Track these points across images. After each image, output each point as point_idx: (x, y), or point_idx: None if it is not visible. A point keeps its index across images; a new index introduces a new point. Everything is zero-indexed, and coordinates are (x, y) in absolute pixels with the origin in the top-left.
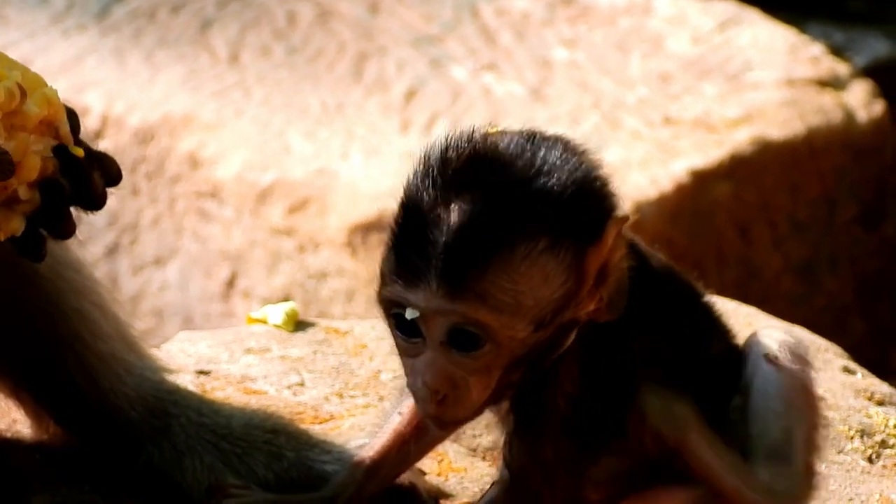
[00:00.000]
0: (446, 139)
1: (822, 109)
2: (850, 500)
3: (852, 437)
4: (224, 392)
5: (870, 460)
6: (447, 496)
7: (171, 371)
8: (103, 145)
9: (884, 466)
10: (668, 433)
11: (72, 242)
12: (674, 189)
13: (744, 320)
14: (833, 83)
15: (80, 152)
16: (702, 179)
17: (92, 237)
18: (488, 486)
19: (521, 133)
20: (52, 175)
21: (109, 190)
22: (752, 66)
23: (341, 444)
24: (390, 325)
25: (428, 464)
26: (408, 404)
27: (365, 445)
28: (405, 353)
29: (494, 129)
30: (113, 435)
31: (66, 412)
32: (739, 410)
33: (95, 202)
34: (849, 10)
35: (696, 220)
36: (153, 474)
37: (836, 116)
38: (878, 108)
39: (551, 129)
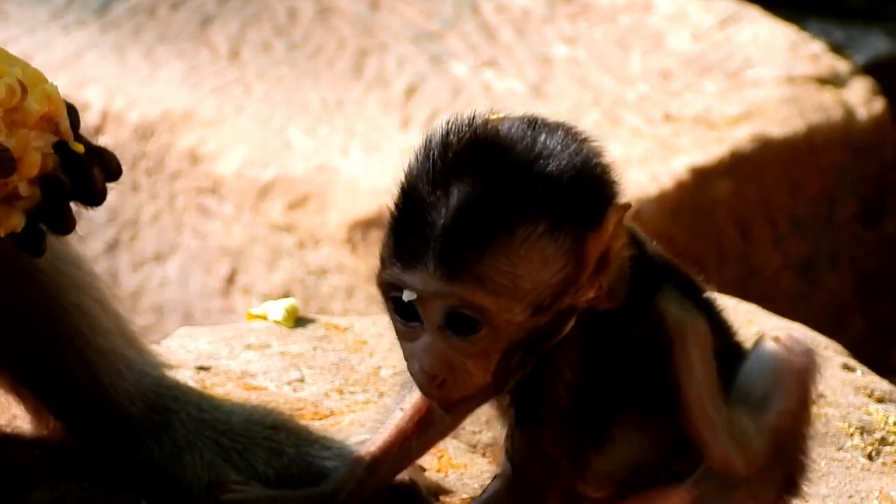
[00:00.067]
0: (448, 124)
1: (823, 107)
2: (850, 497)
3: (852, 435)
4: (224, 388)
5: (870, 457)
6: (447, 492)
7: (171, 367)
8: (103, 141)
9: (884, 464)
10: (673, 323)
11: (72, 238)
12: (674, 186)
13: (744, 317)
14: (833, 81)
15: (80, 148)
16: (702, 176)
17: (92, 233)
18: (488, 481)
19: (522, 119)
20: (53, 171)
21: (109, 186)
22: (753, 63)
23: (341, 441)
24: (389, 309)
25: (428, 460)
26: (409, 400)
27: (365, 441)
28: (404, 337)
29: (496, 115)
30: (113, 430)
31: (66, 408)
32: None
33: (95, 198)
34: (849, 7)
35: (696, 217)
36: (153, 470)
37: (837, 114)
38: (878, 105)
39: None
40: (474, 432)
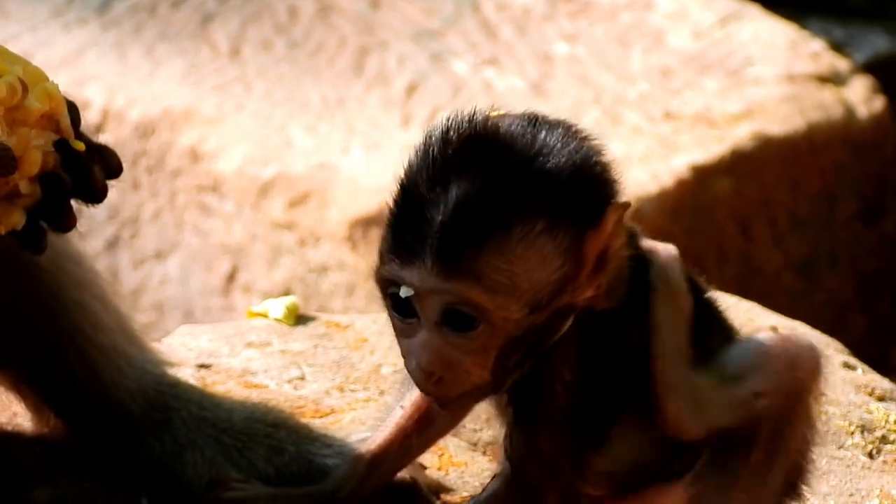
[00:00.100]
0: (447, 121)
1: (823, 105)
2: (851, 495)
3: (853, 433)
4: (225, 386)
5: (870, 456)
6: (447, 490)
7: (171, 365)
8: (104, 139)
9: (884, 462)
10: (654, 281)
11: (73, 235)
12: (674, 184)
13: (744, 316)
14: (833, 79)
15: (80, 146)
16: (702, 175)
17: (92, 231)
18: (489, 480)
19: (522, 116)
20: (53, 169)
21: (110, 183)
22: (753, 61)
23: (342, 439)
24: (387, 305)
25: (428, 458)
26: (410, 398)
27: (366, 439)
28: (401, 333)
29: (496, 112)
30: (114, 428)
31: (67, 405)
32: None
33: (96, 195)
34: (849, 6)
35: (696, 215)
36: (154, 468)
37: (837, 112)
38: (879, 104)
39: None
40: (475, 430)
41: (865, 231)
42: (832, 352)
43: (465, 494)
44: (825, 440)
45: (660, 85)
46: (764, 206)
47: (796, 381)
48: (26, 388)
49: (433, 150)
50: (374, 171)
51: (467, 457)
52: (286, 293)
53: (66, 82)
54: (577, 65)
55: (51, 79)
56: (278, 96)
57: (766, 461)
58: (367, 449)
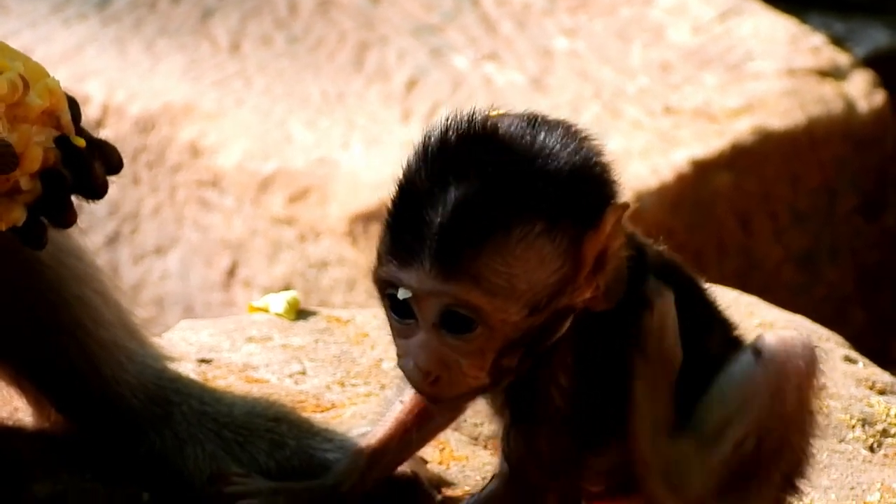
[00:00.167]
0: (447, 121)
1: (823, 99)
2: (852, 488)
3: (853, 427)
4: (226, 380)
5: (871, 449)
6: (448, 485)
7: (172, 359)
8: (104, 134)
9: (885, 455)
10: (646, 331)
11: (73, 231)
12: (674, 179)
13: (745, 310)
14: (834, 73)
15: (81, 142)
16: (702, 169)
17: (93, 226)
18: (489, 475)
19: (522, 116)
20: (54, 165)
21: (110, 179)
22: (753, 56)
23: (343, 433)
24: (385, 306)
25: (429, 452)
26: (410, 392)
27: (367, 434)
28: (399, 334)
29: (496, 112)
30: (114, 423)
31: (68, 400)
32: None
33: (96, 191)
34: (849, 0)
35: (696, 209)
36: (155, 462)
37: (837, 106)
38: (879, 98)
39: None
40: (476, 424)
41: (866, 225)
42: (833, 345)
43: (466, 488)
44: (826, 434)
45: (660, 79)
46: (764, 200)
47: (785, 403)
48: (27, 383)
49: (432, 151)
50: (374, 166)
51: (468, 451)
52: (286, 288)
53: (66, 78)
54: (577, 59)
55: (51, 75)
56: (278, 91)
57: (767, 473)
58: (367, 443)
